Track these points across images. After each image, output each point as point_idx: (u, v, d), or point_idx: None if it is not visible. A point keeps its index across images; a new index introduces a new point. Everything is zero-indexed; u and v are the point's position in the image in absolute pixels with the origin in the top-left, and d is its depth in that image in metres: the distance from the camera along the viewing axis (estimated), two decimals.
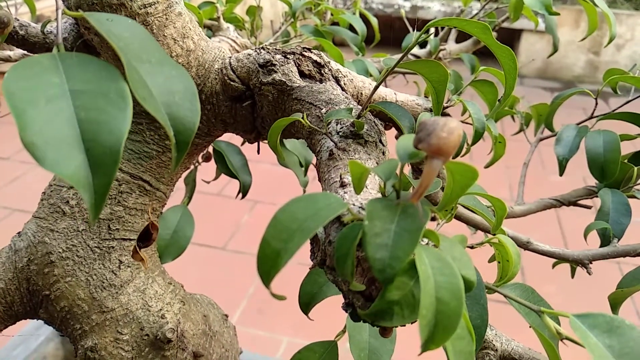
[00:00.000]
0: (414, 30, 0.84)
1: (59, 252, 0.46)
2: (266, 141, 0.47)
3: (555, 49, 0.79)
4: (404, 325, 0.25)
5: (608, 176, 0.55)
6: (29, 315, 0.48)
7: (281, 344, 1.39)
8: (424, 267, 0.22)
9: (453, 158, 0.46)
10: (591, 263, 0.50)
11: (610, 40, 0.65)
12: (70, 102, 0.21)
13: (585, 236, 0.53)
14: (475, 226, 0.55)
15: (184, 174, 0.64)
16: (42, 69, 0.22)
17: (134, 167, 0.47)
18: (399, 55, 0.74)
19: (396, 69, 0.38)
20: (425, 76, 0.38)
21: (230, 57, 0.47)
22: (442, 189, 0.52)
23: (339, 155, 0.36)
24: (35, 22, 0.54)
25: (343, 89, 0.47)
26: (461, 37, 0.92)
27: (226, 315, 0.58)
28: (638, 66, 0.66)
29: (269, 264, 0.22)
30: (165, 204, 0.53)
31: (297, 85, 0.44)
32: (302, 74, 0.45)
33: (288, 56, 0.46)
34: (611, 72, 0.59)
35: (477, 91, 0.53)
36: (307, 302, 0.44)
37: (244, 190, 0.64)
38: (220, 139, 0.57)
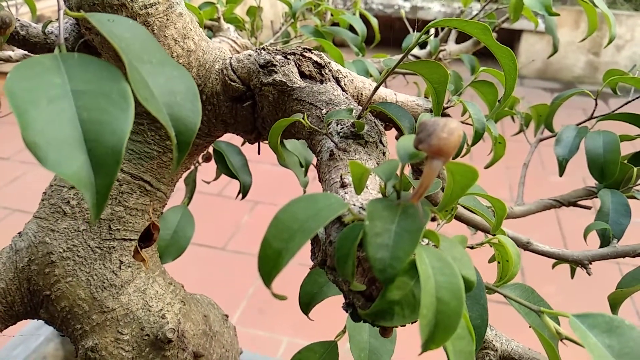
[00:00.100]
0: (414, 30, 0.84)
1: (60, 252, 0.46)
2: (266, 141, 0.47)
3: (555, 50, 0.79)
4: (405, 325, 0.25)
5: (608, 177, 0.55)
6: (29, 315, 0.48)
7: (281, 344, 1.40)
8: (425, 267, 0.22)
9: (453, 158, 0.47)
10: (591, 263, 0.50)
11: (610, 41, 0.65)
12: (72, 103, 0.21)
13: (584, 237, 0.53)
14: (475, 226, 0.55)
15: (184, 175, 0.65)
16: (44, 69, 0.22)
17: (135, 167, 0.47)
18: (399, 56, 0.74)
19: (396, 69, 0.38)
20: (426, 77, 0.38)
21: (230, 57, 0.47)
22: (443, 189, 0.52)
23: (339, 155, 0.36)
24: (36, 22, 0.55)
25: (343, 90, 0.47)
26: (461, 37, 0.92)
27: (226, 316, 0.58)
28: (638, 67, 0.66)
29: (270, 264, 0.23)
30: (166, 204, 0.53)
31: (298, 85, 0.44)
32: (302, 75, 0.46)
33: (288, 57, 0.46)
34: (611, 73, 0.59)
35: (477, 92, 0.53)
36: (307, 302, 0.44)
37: (244, 191, 0.64)
38: (220, 139, 0.57)
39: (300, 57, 0.46)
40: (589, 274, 0.51)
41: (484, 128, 0.49)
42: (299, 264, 0.54)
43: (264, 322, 1.46)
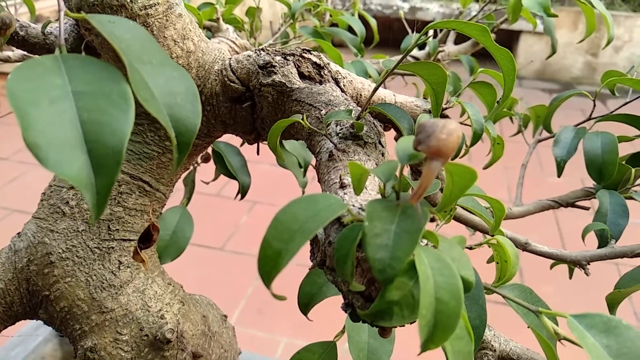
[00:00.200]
0: (412, 31, 0.84)
1: (59, 252, 0.46)
2: (266, 142, 0.47)
3: (553, 51, 0.79)
4: (403, 326, 0.25)
5: (606, 177, 0.55)
6: (28, 316, 0.48)
7: (280, 345, 1.40)
8: (424, 268, 0.22)
9: (452, 159, 0.47)
10: (589, 264, 0.51)
11: (609, 42, 0.65)
12: (73, 104, 0.21)
13: (583, 237, 0.54)
14: (474, 227, 0.56)
15: (183, 175, 0.65)
16: (45, 70, 0.22)
17: (134, 167, 0.47)
18: (398, 57, 0.74)
19: (395, 70, 0.38)
20: (424, 78, 0.38)
21: (230, 58, 0.47)
22: (441, 190, 0.52)
23: (338, 156, 0.36)
24: (35, 22, 0.55)
25: (342, 91, 0.47)
26: (460, 38, 0.92)
27: (225, 316, 0.58)
28: (636, 68, 0.66)
29: (270, 264, 0.23)
30: (165, 204, 0.53)
31: (297, 86, 0.45)
32: (301, 76, 0.46)
33: (288, 57, 0.46)
34: (609, 74, 0.59)
35: (475, 93, 0.53)
36: (306, 303, 0.44)
37: (243, 191, 0.64)
38: (219, 139, 0.57)
39: (300, 58, 0.46)
40: (587, 275, 0.51)
41: (483, 129, 0.49)
42: (298, 265, 0.54)
43: (262, 323, 1.47)
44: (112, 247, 0.47)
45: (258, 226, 1.88)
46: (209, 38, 0.67)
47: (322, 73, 0.46)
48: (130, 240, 0.48)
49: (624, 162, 0.58)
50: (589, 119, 0.64)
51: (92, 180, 0.20)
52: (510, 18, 0.66)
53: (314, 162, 0.64)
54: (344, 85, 0.48)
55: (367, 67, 0.71)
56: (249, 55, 0.47)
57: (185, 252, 0.59)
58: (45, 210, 0.47)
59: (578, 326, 0.25)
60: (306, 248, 0.30)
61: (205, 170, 0.69)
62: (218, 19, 0.69)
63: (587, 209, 0.61)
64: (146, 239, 0.50)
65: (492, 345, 0.40)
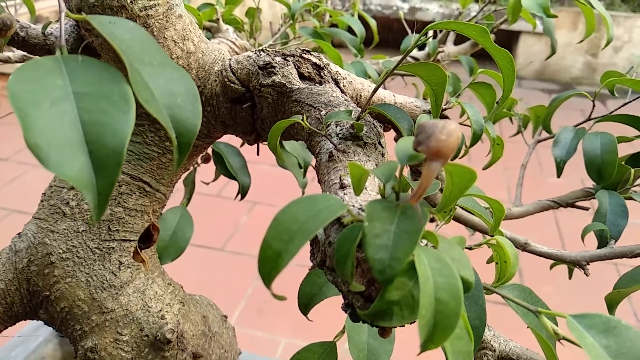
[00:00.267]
0: (412, 32, 0.84)
1: (59, 253, 0.46)
2: (266, 143, 0.47)
3: (553, 51, 0.79)
4: (403, 326, 0.25)
5: (605, 178, 0.55)
6: (29, 316, 0.48)
7: (280, 345, 1.40)
8: (423, 268, 0.22)
9: (452, 160, 0.47)
10: (588, 264, 0.51)
11: (608, 43, 0.65)
12: (74, 104, 0.21)
13: (582, 238, 0.54)
14: (474, 227, 0.56)
15: (184, 176, 0.65)
16: (46, 71, 0.22)
17: (134, 168, 0.47)
18: (397, 57, 0.75)
19: (395, 71, 0.38)
20: (424, 78, 0.38)
21: (230, 59, 0.48)
22: (441, 190, 0.53)
23: (338, 157, 0.36)
24: (34, 23, 0.55)
25: (342, 91, 0.47)
26: (460, 39, 0.93)
27: (225, 316, 0.58)
28: (635, 68, 0.66)
29: (270, 264, 0.23)
30: (165, 205, 0.53)
31: (297, 87, 0.45)
32: (301, 76, 0.46)
33: (288, 58, 0.46)
34: (608, 75, 0.59)
35: (475, 93, 0.53)
36: (306, 303, 0.44)
37: (242, 192, 0.65)
38: (219, 140, 0.57)
39: (300, 59, 0.46)
40: (587, 275, 0.51)
41: (482, 129, 0.49)
42: (298, 265, 0.54)
43: (262, 323, 1.47)
44: (113, 248, 0.47)
45: (258, 227, 1.88)
46: (209, 39, 0.67)
47: (322, 74, 0.46)
48: (130, 240, 0.48)
49: (623, 163, 0.58)
50: (589, 119, 0.64)
51: (93, 180, 0.21)
52: (510, 18, 0.66)
53: (314, 162, 0.64)
54: (343, 86, 0.48)
55: (366, 67, 0.71)
56: (249, 56, 0.47)
57: (185, 252, 0.60)
58: (45, 211, 0.47)
59: (577, 326, 0.25)
60: (306, 248, 0.30)
61: (206, 171, 0.69)
62: (218, 19, 0.69)
63: (586, 209, 0.61)
64: (146, 239, 0.50)
65: (492, 345, 0.40)
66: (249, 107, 0.47)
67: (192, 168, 0.65)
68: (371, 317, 0.24)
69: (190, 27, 0.45)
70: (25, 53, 0.58)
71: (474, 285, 0.24)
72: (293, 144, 0.63)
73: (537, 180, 2.16)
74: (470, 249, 0.43)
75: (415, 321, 0.23)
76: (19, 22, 0.50)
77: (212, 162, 0.66)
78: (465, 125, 0.53)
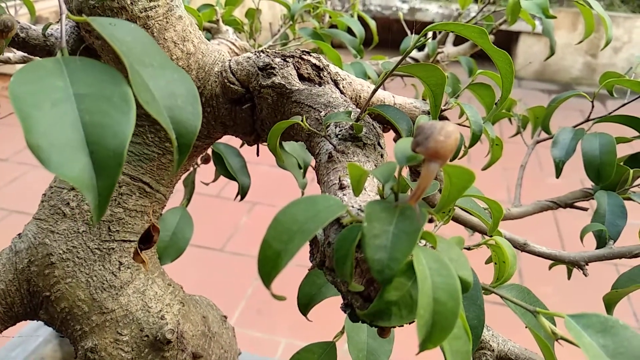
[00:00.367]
0: (412, 32, 0.84)
1: (60, 253, 0.46)
2: (265, 143, 0.48)
3: (552, 52, 0.79)
4: (402, 326, 0.26)
5: (604, 178, 0.56)
6: (29, 316, 0.48)
7: (280, 345, 1.40)
8: (422, 268, 0.22)
9: (451, 160, 0.47)
10: (587, 265, 0.51)
11: (607, 43, 0.65)
12: (75, 106, 0.21)
13: (581, 238, 0.54)
14: (473, 228, 0.56)
15: (183, 176, 0.65)
16: (47, 72, 0.22)
17: (134, 169, 0.47)
18: (397, 58, 0.75)
19: (394, 72, 0.38)
20: (423, 79, 0.39)
21: (229, 60, 0.48)
22: (440, 191, 0.53)
23: (337, 157, 0.36)
24: (34, 23, 0.55)
25: (342, 92, 0.47)
26: (459, 39, 0.93)
27: (225, 317, 0.58)
28: (634, 69, 0.66)
29: (269, 265, 0.23)
30: (165, 205, 0.53)
31: (297, 88, 0.45)
32: (301, 77, 0.46)
33: (287, 59, 0.46)
34: (607, 75, 0.59)
35: (474, 94, 0.54)
36: (305, 303, 0.44)
37: (242, 192, 0.65)
38: (219, 141, 0.57)
39: (299, 60, 0.46)
40: (586, 275, 0.51)
41: (481, 130, 0.49)
42: (298, 265, 0.54)
43: (262, 323, 1.47)
44: (113, 248, 0.47)
45: (258, 227, 1.88)
46: (209, 39, 0.67)
47: (321, 75, 0.47)
48: (130, 241, 0.48)
49: (622, 163, 0.58)
50: (587, 120, 0.64)
51: (94, 181, 0.21)
52: (509, 19, 0.67)
53: (313, 163, 0.64)
54: (343, 87, 0.48)
55: (366, 68, 0.71)
56: (249, 57, 0.47)
57: (185, 253, 0.60)
58: (45, 212, 0.47)
59: (575, 326, 0.25)
60: (306, 249, 0.30)
61: (205, 172, 0.70)
62: (218, 20, 0.69)
63: (585, 209, 0.62)
64: (146, 240, 0.50)
65: (491, 345, 0.40)
66: (248, 108, 0.48)
67: (192, 169, 0.65)
68: (370, 317, 0.24)
69: (190, 28, 0.45)
70: (26, 54, 0.58)
71: (473, 285, 0.24)
72: (293, 144, 0.63)
73: (536, 181, 2.17)
74: (469, 249, 0.43)
75: (414, 321, 0.23)
76: (19, 23, 0.51)
77: (212, 162, 0.66)
78: (464, 126, 0.53)
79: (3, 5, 0.55)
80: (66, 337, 0.48)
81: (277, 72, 0.45)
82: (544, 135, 0.71)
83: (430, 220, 0.46)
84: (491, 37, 0.80)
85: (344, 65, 0.68)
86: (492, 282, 0.41)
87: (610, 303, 0.45)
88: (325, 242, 0.29)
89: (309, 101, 0.43)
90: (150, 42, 0.27)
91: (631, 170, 0.56)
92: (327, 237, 0.28)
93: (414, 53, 0.85)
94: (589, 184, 0.61)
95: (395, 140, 0.53)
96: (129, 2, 0.41)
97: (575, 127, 0.63)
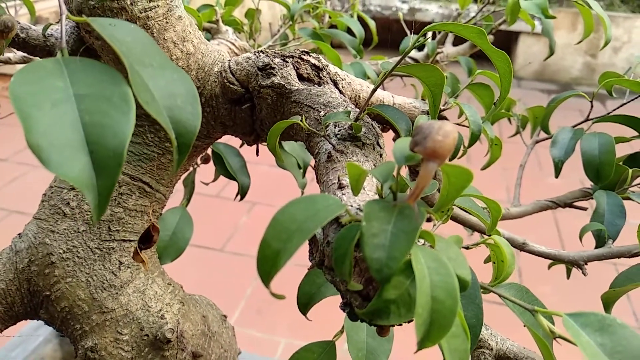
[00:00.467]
0: (411, 33, 0.84)
1: (60, 253, 0.46)
2: (265, 143, 0.48)
3: (551, 52, 0.80)
4: (401, 325, 0.26)
5: (603, 178, 0.56)
6: (29, 316, 0.48)
7: (280, 345, 1.40)
8: (420, 267, 0.22)
9: (450, 160, 0.47)
10: (586, 264, 0.51)
11: (606, 43, 0.65)
12: (75, 106, 0.21)
13: (580, 237, 0.54)
14: (472, 227, 0.56)
15: (183, 176, 0.65)
16: (47, 73, 0.22)
17: (134, 169, 0.48)
18: (396, 58, 0.75)
19: (394, 72, 0.38)
20: (422, 79, 0.39)
21: (229, 60, 0.48)
22: (439, 190, 0.53)
23: (337, 157, 0.36)
24: (34, 24, 0.55)
25: (341, 92, 0.47)
26: (459, 40, 0.93)
27: (225, 316, 0.58)
28: (633, 69, 0.66)
29: (268, 264, 0.23)
30: (165, 205, 0.53)
31: (296, 88, 0.45)
32: (300, 77, 0.46)
33: (287, 59, 0.46)
34: (606, 76, 0.59)
35: (473, 94, 0.54)
36: (305, 303, 0.44)
37: (242, 192, 0.65)
38: (219, 141, 0.57)
39: (299, 60, 0.47)
40: (585, 275, 0.51)
41: (480, 130, 0.50)
42: (297, 265, 0.55)
43: (262, 323, 1.47)
44: (113, 248, 0.47)
45: (257, 227, 1.88)
46: (209, 40, 0.68)
47: (320, 75, 0.47)
48: (130, 240, 0.48)
49: (621, 163, 0.58)
50: (587, 120, 0.64)
51: (94, 181, 0.21)
52: (509, 19, 0.67)
53: (313, 163, 0.64)
54: (342, 87, 0.48)
55: (366, 68, 0.71)
56: (248, 57, 0.47)
57: (185, 253, 0.60)
58: (46, 211, 0.48)
59: (573, 325, 0.25)
60: (305, 248, 0.30)
61: (205, 171, 0.70)
62: (217, 20, 0.69)
63: (584, 209, 0.62)
64: (146, 239, 0.50)
65: (489, 344, 0.40)
66: (248, 108, 0.48)
67: (191, 169, 0.66)
68: (369, 315, 0.24)
69: (190, 28, 0.45)
70: (26, 54, 0.58)
71: (471, 284, 0.24)
72: (292, 144, 0.63)
73: (536, 181, 2.17)
74: (467, 248, 0.43)
75: (412, 320, 0.23)
76: (19, 23, 0.51)
77: (211, 162, 0.66)
78: (464, 125, 0.53)
79: (3, 5, 0.55)
80: (66, 337, 0.48)
81: (276, 72, 0.45)
82: (543, 135, 0.71)
83: (429, 220, 0.46)
84: (491, 38, 0.80)
85: (343, 66, 0.68)
86: (490, 281, 0.41)
87: (608, 302, 0.45)
88: (324, 242, 0.29)
89: (309, 101, 0.44)
90: (150, 42, 0.27)
91: (630, 170, 0.56)
92: (326, 236, 0.28)
93: (414, 53, 0.85)
94: (588, 183, 0.61)
95: (394, 140, 0.53)
96: (128, 3, 0.41)
97: (574, 127, 0.63)
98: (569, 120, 0.72)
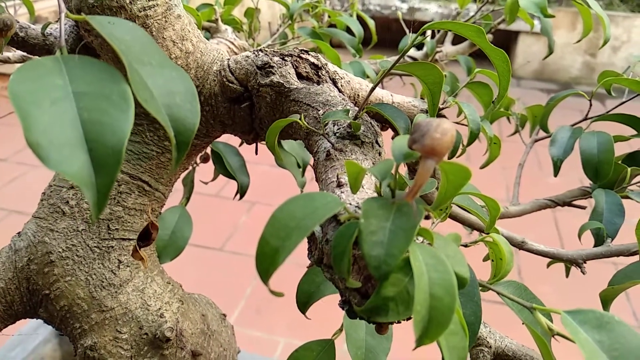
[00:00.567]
0: (410, 32, 0.84)
1: (59, 251, 0.46)
2: (264, 142, 0.48)
3: (550, 51, 0.80)
4: (400, 322, 0.26)
5: (602, 177, 0.56)
6: (28, 315, 0.48)
7: (279, 345, 1.40)
8: (418, 264, 0.22)
9: (449, 158, 0.47)
10: (585, 263, 0.51)
11: (605, 43, 0.65)
12: (74, 104, 0.21)
13: (579, 236, 0.54)
14: (471, 226, 0.56)
15: (183, 175, 0.65)
16: (46, 71, 0.22)
17: (133, 167, 0.48)
18: (395, 57, 0.75)
19: (393, 70, 0.38)
20: (421, 78, 0.39)
21: (228, 59, 0.48)
22: (438, 189, 0.53)
23: (336, 155, 0.36)
24: (34, 23, 0.55)
25: (340, 91, 0.48)
26: (458, 39, 0.93)
27: (224, 315, 0.59)
28: (632, 68, 0.66)
29: (267, 261, 0.23)
30: (164, 204, 0.53)
31: (295, 87, 0.45)
32: (299, 76, 0.46)
33: (286, 58, 0.46)
34: (605, 74, 0.60)
35: (472, 93, 0.54)
36: (304, 302, 0.44)
37: (241, 191, 0.65)
38: (218, 140, 0.57)
39: (298, 59, 0.47)
40: (583, 273, 0.51)
41: (479, 129, 0.50)
42: (296, 264, 0.55)
43: (261, 323, 1.47)
44: (112, 246, 0.47)
45: (257, 227, 1.88)
46: (208, 39, 0.68)
47: (319, 73, 0.47)
48: (129, 239, 0.48)
49: (620, 162, 0.58)
50: (585, 118, 0.64)
51: (93, 179, 0.21)
52: (508, 19, 0.67)
53: (312, 162, 0.64)
54: (341, 86, 0.48)
55: (365, 67, 0.71)
56: (248, 56, 0.47)
57: (184, 252, 0.60)
58: (45, 210, 0.48)
59: (571, 322, 0.26)
60: (303, 247, 0.30)
61: (204, 171, 0.70)
62: (217, 19, 0.69)
63: (583, 208, 0.62)
64: (145, 237, 0.50)
65: (488, 342, 0.40)
66: (247, 106, 0.48)
67: (191, 168, 0.66)
68: (367, 313, 0.24)
69: (189, 27, 0.45)
70: (25, 53, 0.58)
71: (469, 282, 0.24)
72: (292, 143, 0.63)
73: (536, 180, 2.17)
74: (466, 246, 0.43)
75: (411, 317, 0.24)
76: (18, 22, 0.51)
77: (211, 161, 0.66)
78: (463, 124, 0.53)
79: (2, 4, 0.55)
80: (65, 335, 0.48)
81: (275, 70, 0.45)
82: (542, 134, 0.71)
83: (427, 218, 0.47)
84: (490, 37, 0.80)
85: (342, 65, 0.68)
86: (489, 279, 0.41)
87: (606, 299, 0.45)
88: (323, 239, 0.29)
89: (308, 100, 0.44)
90: (149, 40, 0.27)
91: (629, 169, 0.56)
92: (325, 234, 0.29)
93: (413, 52, 0.85)
94: (587, 182, 0.61)
95: (393, 138, 0.53)
96: (128, 1, 0.41)
97: (573, 125, 0.63)
98: (568, 119, 0.72)
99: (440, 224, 0.43)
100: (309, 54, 0.48)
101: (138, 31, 0.27)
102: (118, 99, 0.22)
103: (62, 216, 0.47)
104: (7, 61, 0.64)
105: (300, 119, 0.39)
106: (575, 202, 0.62)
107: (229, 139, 0.59)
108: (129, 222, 0.48)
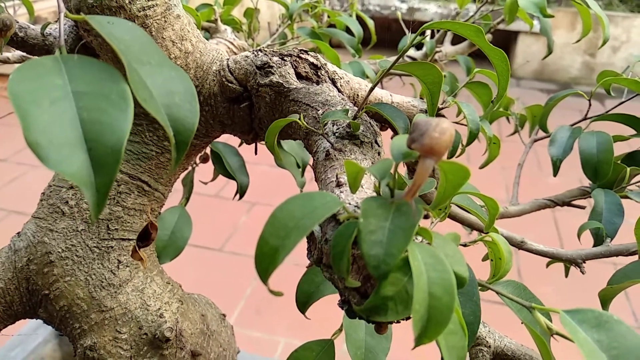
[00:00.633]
0: (410, 32, 0.84)
1: (59, 252, 0.46)
2: (264, 142, 0.48)
3: (549, 51, 0.80)
4: (399, 322, 0.26)
5: (601, 177, 0.56)
6: (28, 315, 0.48)
7: (279, 345, 1.40)
8: (417, 264, 0.22)
9: (449, 158, 0.47)
10: (584, 262, 0.51)
11: (604, 43, 0.65)
12: (73, 104, 0.21)
13: (578, 236, 0.54)
14: (470, 226, 0.56)
15: (182, 175, 0.65)
16: (46, 70, 0.22)
17: (133, 167, 0.48)
18: (395, 57, 0.75)
19: (392, 70, 0.38)
20: (420, 78, 0.39)
21: (227, 59, 0.48)
22: (437, 189, 0.53)
23: (335, 155, 0.36)
24: (33, 23, 0.55)
25: (339, 91, 0.48)
26: (457, 38, 0.93)
27: (224, 315, 0.59)
28: (631, 68, 0.66)
29: (266, 260, 0.23)
30: (164, 204, 0.53)
31: (294, 86, 0.45)
32: (299, 76, 0.46)
33: (285, 58, 0.46)
34: (604, 74, 0.60)
35: (472, 93, 0.54)
36: (304, 302, 0.44)
37: (241, 192, 0.65)
38: (218, 140, 0.57)
39: (297, 59, 0.47)
40: (583, 273, 0.51)
41: (478, 128, 0.50)
42: (295, 264, 0.55)
43: (261, 323, 1.47)
44: (111, 247, 0.47)
45: (257, 227, 1.88)
46: (207, 39, 0.68)
47: (319, 73, 0.47)
48: (129, 239, 0.48)
49: (619, 162, 0.58)
50: (585, 118, 0.64)
51: (92, 178, 0.21)
52: (507, 19, 0.67)
53: (311, 162, 0.64)
54: (340, 86, 0.48)
55: (364, 67, 0.71)
56: (247, 56, 0.47)
57: (183, 252, 0.60)
58: (44, 210, 0.48)
59: (570, 321, 0.26)
60: (303, 248, 0.30)
61: (204, 171, 0.70)
62: (216, 20, 0.69)
63: (582, 207, 0.62)
64: (144, 237, 0.50)
65: (487, 342, 0.40)
66: (246, 106, 0.48)
67: (190, 168, 0.66)
68: (367, 312, 0.24)
69: (189, 27, 0.46)
70: (24, 53, 0.58)
71: (469, 281, 0.25)
72: (291, 143, 0.63)
73: (535, 180, 2.17)
74: (465, 245, 0.43)
75: (410, 317, 0.24)
76: (17, 22, 0.51)
77: (210, 162, 0.66)
78: (462, 124, 0.53)
79: (2, 4, 0.55)
80: (65, 336, 0.48)
81: (275, 70, 0.45)
82: (541, 133, 0.71)
83: (427, 217, 0.47)
84: (489, 37, 0.80)
85: (342, 65, 0.68)
86: (488, 278, 0.41)
87: (605, 299, 0.45)
88: (322, 239, 0.29)
89: (307, 100, 0.44)
90: (148, 40, 0.27)
91: (628, 169, 0.56)
92: (324, 233, 0.29)
93: (412, 52, 0.85)
94: (586, 182, 0.61)
95: (392, 138, 0.53)
96: (127, 1, 0.41)
97: (572, 125, 0.63)
98: (568, 119, 0.72)
99: (440, 223, 0.43)
100: (308, 54, 0.48)
101: (137, 31, 0.27)
102: (117, 98, 0.22)
103: (62, 216, 0.47)
104: (6, 61, 0.64)
105: (299, 118, 0.40)
106: (574, 202, 0.62)
107: (229, 139, 0.59)
108: (128, 222, 0.48)
